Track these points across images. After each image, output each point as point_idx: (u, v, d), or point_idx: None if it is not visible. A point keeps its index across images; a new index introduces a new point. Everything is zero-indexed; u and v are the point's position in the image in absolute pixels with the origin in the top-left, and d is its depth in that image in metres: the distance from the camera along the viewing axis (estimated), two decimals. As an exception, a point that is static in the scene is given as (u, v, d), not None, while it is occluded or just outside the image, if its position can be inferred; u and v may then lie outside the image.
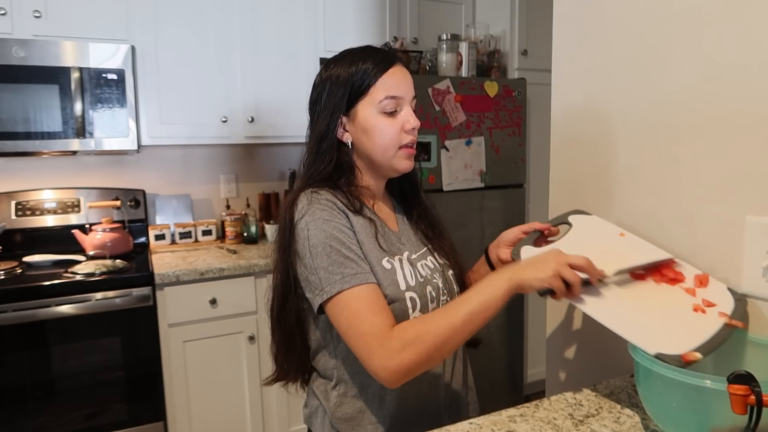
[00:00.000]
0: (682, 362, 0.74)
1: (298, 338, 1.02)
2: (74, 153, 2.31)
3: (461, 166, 2.50)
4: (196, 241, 2.61)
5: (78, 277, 2.01)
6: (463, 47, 2.67)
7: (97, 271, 2.05)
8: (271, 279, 1.02)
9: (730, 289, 0.90)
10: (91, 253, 2.29)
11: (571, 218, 1.09)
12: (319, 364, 1.03)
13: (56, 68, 2.09)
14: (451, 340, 0.84)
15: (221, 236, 2.69)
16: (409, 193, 1.12)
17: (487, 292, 0.85)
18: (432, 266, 1.03)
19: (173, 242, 2.57)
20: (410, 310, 0.94)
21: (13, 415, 1.91)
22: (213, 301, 2.18)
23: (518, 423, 0.85)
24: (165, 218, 2.63)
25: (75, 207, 2.45)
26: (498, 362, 2.71)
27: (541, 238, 1.07)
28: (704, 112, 0.95)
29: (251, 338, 2.25)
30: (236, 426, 2.27)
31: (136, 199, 2.55)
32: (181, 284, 2.12)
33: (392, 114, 0.97)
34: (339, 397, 0.98)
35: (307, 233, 0.91)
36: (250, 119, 2.50)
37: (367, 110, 0.97)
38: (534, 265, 0.86)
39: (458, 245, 1.13)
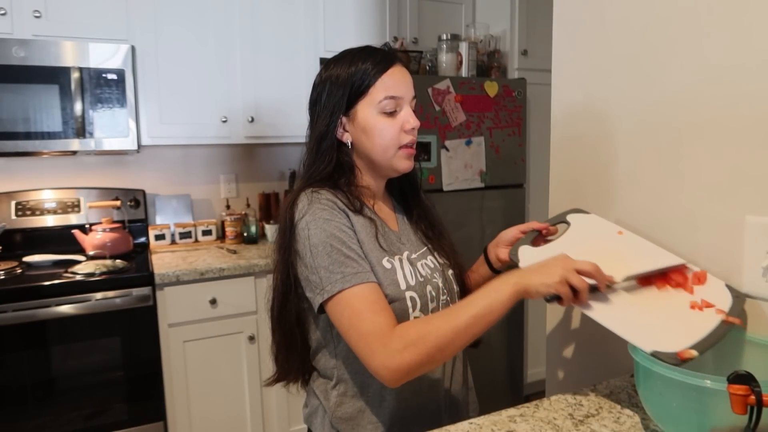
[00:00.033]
0: (678, 360, 0.74)
1: (298, 338, 1.02)
2: (74, 153, 2.31)
3: (461, 166, 2.50)
4: (196, 241, 2.61)
5: (78, 277, 2.01)
6: (463, 47, 2.67)
7: (97, 271, 2.05)
8: (272, 279, 1.02)
9: (728, 286, 0.90)
10: (91, 253, 2.29)
11: (570, 217, 1.10)
12: (319, 363, 1.03)
13: (56, 68, 2.09)
14: (453, 342, 0.84)
15: (221, 236, 2.69)
16: (409, 193, 1.12)
17: (492, 296, 0.84)
18: (432, 266, 1.03)
19: (173, 242, 2.57)
20: (410, 310, 0.94)
21: (13, 415, 1.91)
22: (213, 301, 2.18)
23: (518, 423, 0.85)
24: (165, 218, 2.63)
25: (75, 207, 2.45)
26: (498, 362, 2.71)
27: (539, 238, 1.07)
28: (704, 113, 0.95)
29: (251, 338, 2.25)
30: (236, 426, 2.27)
31: (136, 199, 2.55)
32: (181, 284, 2.12)
33: (392, 114, 0.97)
34: (339, 397, 0.98)
35: (308, 233, 0.91)
36: (250, 119, 2.50)
37: (367, 110, 0.97)
38: (540, 270, 0.85)
39: (458, 245, 1.13)
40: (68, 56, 2.11)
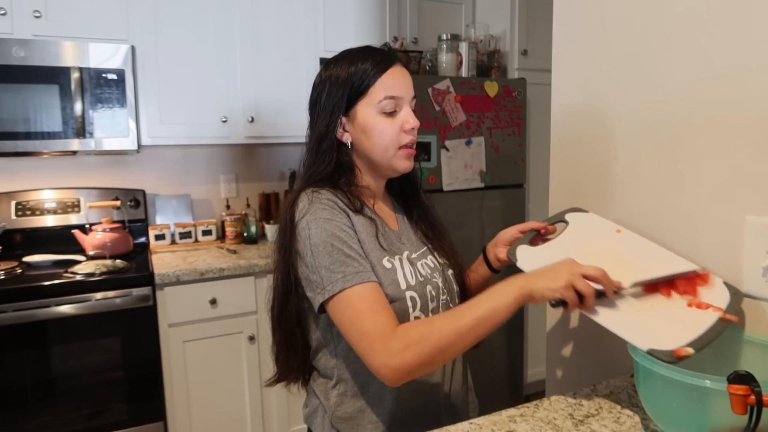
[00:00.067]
0: (675, 357, 0.74)
1: (299, 338, 1.02)
2: (74, 153, 2.31)
3: (461, 166, 2.50)
4: (196, 241, 2.61)
5: (78, 277, 2.01)
6: (463, 47, 2.67)
7: (97, 271, 2.05)
8: (272, 279, 1.02)
9: (726, 284, 0.90)
10: (91, 253, 2.29)
11: (568, 216, 1.10)
12: (319, 363, 1.03)
13: (56, 68, 2.09)
14: (455, 344, 0.83)
15: (221, 236, 2.69)
16: (409, 193, 1.12)
17: (497, 299, 0.84)
18: (432, 265, 1.03)
19: (173, 242, 2.57)
20: (410, 309, 0.94)
21: (13, 415, 1.91)
22: (213, 301, 2.18)
23: (518, 423, 0.85)
24: (165, 218, 2.63)
25: (75, 207, 2.45)
26: (498, 362, 2.71)
27: (537, 237, 1.07)
28: (704, 112, 0.95)
29: (251, 338, 2.25)
30: (236, 426, 2.27)
31: (136, 199, 2.55)
32: (181, 284, 2.12)
33: (391, 114, 0.97)
34: (339, 397, 0.99)
35: (308, 232, 0.91)
36: (250, 119, 2.50)
37: (367, 110, 0.97)
38: (546, 274, 0.84)
39: (458, 245, 1.13)
40: (68, 56, 2.11)
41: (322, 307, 0.91)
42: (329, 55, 1.05)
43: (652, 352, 0.75)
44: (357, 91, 0.96)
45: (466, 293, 1.10)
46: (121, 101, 2.21)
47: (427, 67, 2.75)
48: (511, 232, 1.09)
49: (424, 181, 2.39)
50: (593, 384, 0.99)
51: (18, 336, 1.90)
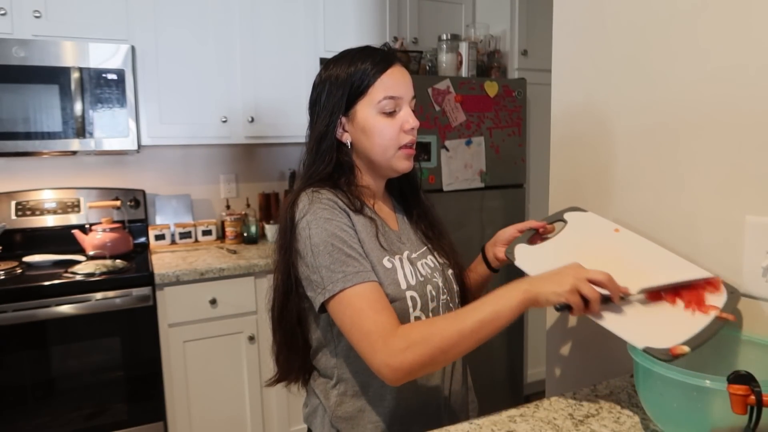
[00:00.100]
0: (670, 355, 0.74)
1: (300, 338, 1.02)
2: (74, 153, 2.31)
3: (461, 166, 2.50)
4: (196, 241, 2.61)
5: (78, 277, 2.01)
6: (463, 47, 2.67)
7: (97, 271, 2.05)
8: (272, 279, 1.02)
9: (723, 282, 0.90)
10: (91, 253, 2.29)
11: (567, 215, 1.10)
12: (319, 363, 1.03)
13: (56, 68, 2.09)
14: (457, 345, 0.83)
15: (221, 236, 2.69)
16: (409, 193, 1.12)
17: (501, 302, 0.83)
18: (432, 265, 1.03)
19: (173, 242, 2.57)
20: (411, 309, 0.94)
21: (13, 415, 1.91)
22: (213, 301, 2.18)
23: (518, 423, 0.85)
24: (165, 218, 2.63)
25: (75, 207, 2.45)
26: (498, 362, 2.71)
27: (536, 236, 1.07)
28: (704, 112, 0.95)
29: (251, 338, 2.25)
30: (236, 426, 2.27)
31: (136, 199, 2.55)
32: (181, 284, 2.12)
33: (391, 114, 0.97)
34: (339, 396, 0.99)
35: (309, 232, 0.91)
36: (250, 119, 2.50)
37: (366, 110, 0.97)
38: (551, 278, 0.84)
39: (458, 245, 1.13)
40: (68, 56, 2.11)
41: (323, 307, 0.91)
42: (329, 55, 1.05)
43: (648, 350, 0.76)
44: (357, 91, 0.96)
45: (466, 293, 1.10)
46: (121, 101, 2.21)
47: (427, 67, 2.75)
48: (509, 231, 1.09)
49: (424, 181, 2.39)
50: (593, 384, 0.99)
51: (18, 336, 1.90)
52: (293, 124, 2.54)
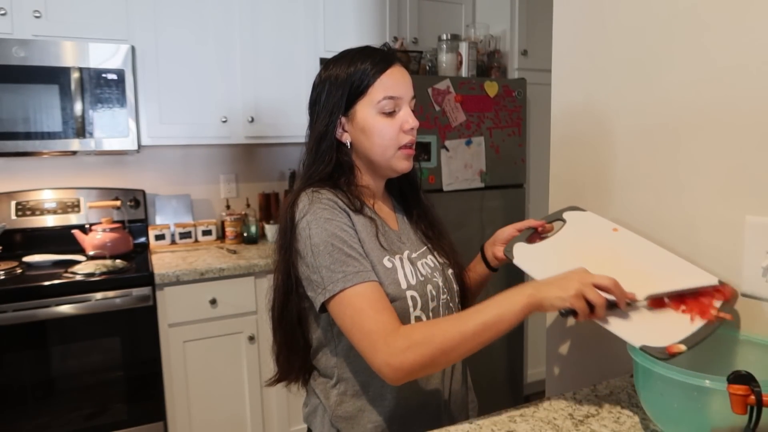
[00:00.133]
0: (667, 354, 0.74)
1: (300, 338, 1.02)
2: (74, 153, 2.31)
3: (461, 166, 2.50)
4: (196, 241, 2.61)
5: (78, 277, 2.01)
6: (463, 47, 2.67)
7: (97, 271, 2.05)
8: (272, 279, 1.02)
9: (721, 282, 0.90)
10: (91, 253, 2.29)
11: (566, 215, 1.10)
12: (320, 362, 1.03)
13: (56, 68, 2.09)
14: (459, 347, 0.83)
15: (221, 236, 2.69)
16: (409, 193, 1.12)
17: (505, 306, 0.83)
18: (432, 265, 1.03)
19: (173, 242, 2.57)
20: (411, 309, 0.95)
21: (13, 415, 1.91)
22: (213, 301, 2.18)
23: (518, 423, 0.85)
24: (165, 218, 2.63)
25: (75, 207, 2.45)
26: (498, 362, 2.71)
27: (535, 235, 1.08)
28: (704, 112, 0.95)
29: (251, 338, 2.25)
30: (236, 426, 2.27)
31: (136, 199, 2.55)
32: (181, 284, 2.12)
33: (391, 114, 0.97)
34: (339, 396, 0.99)
35: (309, 232, 0.91)
36: (250, 119, 2.50)
37: (366, 110, 0.97)
38: (557, 283, 0.83)
39: (458, 245, 1.13)
40: (68, 56, 2.11)
41: (324, 307, 0.91)
42: (329, 55, 1.05)
43: (644, 349, 0.76)
44: (356, 92, 0.96)
45: (465, 292, 1.10)
46: (121, 101, 2.21)
47: (427, 67, 2.75)
48: (508, 230, 1.09)
49: (424, 181, 2.39)
50: (593, 384, 0.99)
51: (18, 336, 1.90)
52: (293, 124, 2.54)
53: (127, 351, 2.05)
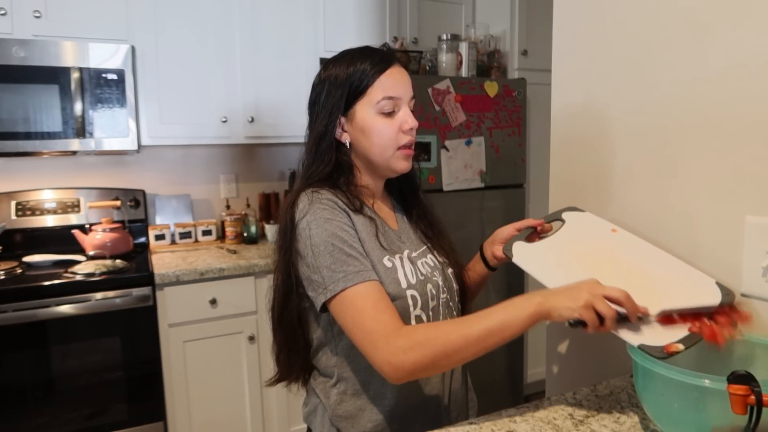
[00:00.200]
0: (665, 353, 0.74)
1: (300, 338, 1.02)
2: (74, 153, 2.31)
3: (461, 166, 2.50)
4: (196, 241, 2.61)
5: (78, 277, 2.01)
6: (463, 47, 2.67)
7: (97, 271, 2.05)
8: (272, 279, 1.02)
9: (718, 284, 0.90)
10: (91, 253, 2.29)
11: (565, 215, 1.10)
12: (320, 362, 1.03)
13: (56, 68, 2.09)
14: (462, 351, 0.82)
15: (221, 236, 2.69)
16: (408, 193, 1.12)
17: (511, 312, 0.82)
18: (432, 264, 1.03)
19: (173, 242, 2.57)
20: (411, 308, 0.95)
21: (13, 415, 1.91)
22: (213, 301, 2.18)
23: (518, 423, 0.85)
24: (165, 218, 2.63)
25: (75, 207, 2.45)
26: (498, 362, 2.71)
27: (534, 235, 1.08)
28: (704, 112, 0.95)
29: (251, 338, 2.25)
30: (236, 426, 2.27)
31: (136, 199, 2.55)
32: (181, 284, 2.12)
33: (390, 114, 0.97)
34: (339, 395, 0.99)
35: (309, 232, 0.91)
36: (250, 119, 2.50)
37: (365, 111, 0.97)
38: (566, 292, 0.82)
39: (458, 245, 1.13)
40: (68, 56, 2.11)
41: (324, 307, 0.91)
42: (329, 55, 1.05)
43: (642, 347, 0.76)
44: (356, 92, 0.96)
45: (465, 292, 1.10)
46: (121, 101, 2.21)
47: (427, 67, 2.74)
48: (507, 230, 1.10)
49: (424, 181, 2.39)
50: (593, 384, 0.99)
51: (18, 336, 1.90)
52: (293, 124, 2.54)
53: (127, 351, 2.05)
